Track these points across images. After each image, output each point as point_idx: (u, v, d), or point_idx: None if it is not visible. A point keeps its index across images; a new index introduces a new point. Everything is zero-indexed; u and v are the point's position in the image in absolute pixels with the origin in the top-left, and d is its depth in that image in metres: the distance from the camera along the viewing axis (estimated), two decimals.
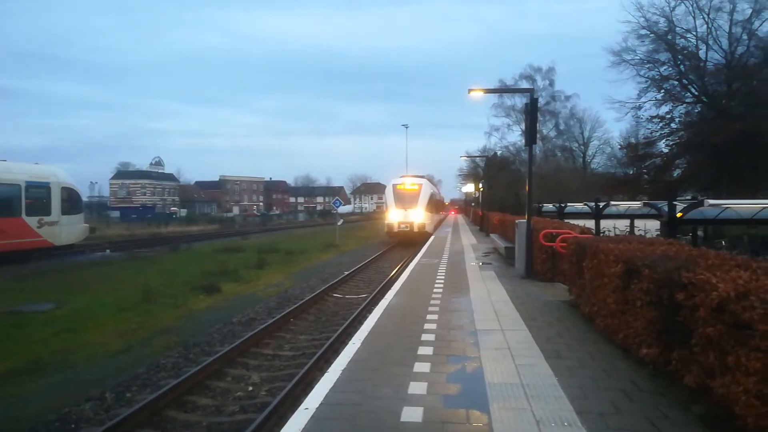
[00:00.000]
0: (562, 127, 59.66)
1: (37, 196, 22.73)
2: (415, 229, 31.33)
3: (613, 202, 25.85)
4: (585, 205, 26.74)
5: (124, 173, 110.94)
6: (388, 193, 33.72)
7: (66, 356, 9.10)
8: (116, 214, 76.86)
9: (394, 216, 31.91)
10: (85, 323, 11.17)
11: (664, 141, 37.15)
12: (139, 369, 8.54)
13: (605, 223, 26.14)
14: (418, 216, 31.66)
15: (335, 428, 4.21)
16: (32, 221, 22.26)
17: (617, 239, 8.17)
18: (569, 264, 9.59)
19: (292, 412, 4.69)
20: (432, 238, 29.07)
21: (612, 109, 65.89)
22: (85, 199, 38.33)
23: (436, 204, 40.64)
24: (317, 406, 4.65)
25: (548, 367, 5.68)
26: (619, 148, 47.92)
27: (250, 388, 7.87)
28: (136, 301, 13.31)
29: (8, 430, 6.30)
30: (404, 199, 32.03)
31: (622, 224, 27.22)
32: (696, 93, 35.93)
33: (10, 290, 14.83)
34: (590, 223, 19.49)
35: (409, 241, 30.42)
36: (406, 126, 73.81)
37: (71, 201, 24.86)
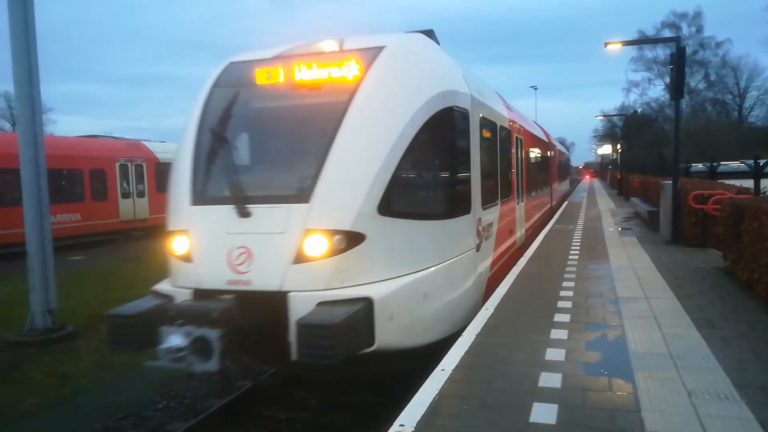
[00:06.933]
0: (712, 78, 53.81)
1: None
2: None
3: None
4: (742, 163, 24.02)
5: None
6: (186, 138, 6.03)
7: None
8: None
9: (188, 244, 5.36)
10: None
11: None
12: None
13: (766, 183, 23.39)
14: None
15: (472, 390, 4.28)
16: None
17: None
18: (724, 227, 8.76)
19: (428, 373, 4.83)
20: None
21: None
22: None
23: (533, 161, 14.73)
24: (453, 368, 4.75)
25: (700, 337, 5.29)
26: None
27: None
28: None
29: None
30: (271, 143, 6.15)
31: None
32: None
33: None
34: (748, 183, 17.49)
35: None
36: (535, 87, 70.10)
37: None
